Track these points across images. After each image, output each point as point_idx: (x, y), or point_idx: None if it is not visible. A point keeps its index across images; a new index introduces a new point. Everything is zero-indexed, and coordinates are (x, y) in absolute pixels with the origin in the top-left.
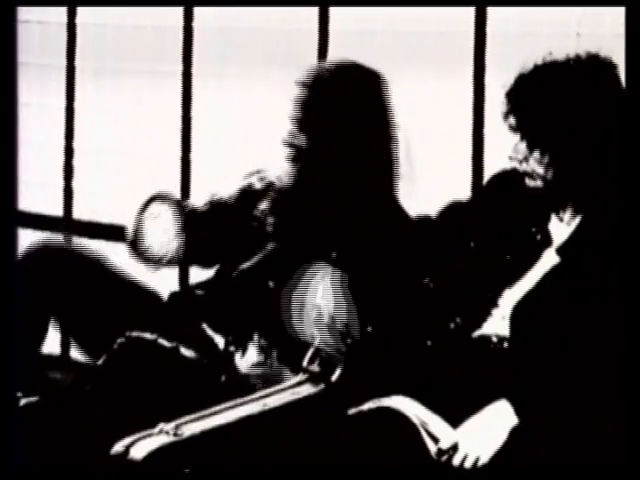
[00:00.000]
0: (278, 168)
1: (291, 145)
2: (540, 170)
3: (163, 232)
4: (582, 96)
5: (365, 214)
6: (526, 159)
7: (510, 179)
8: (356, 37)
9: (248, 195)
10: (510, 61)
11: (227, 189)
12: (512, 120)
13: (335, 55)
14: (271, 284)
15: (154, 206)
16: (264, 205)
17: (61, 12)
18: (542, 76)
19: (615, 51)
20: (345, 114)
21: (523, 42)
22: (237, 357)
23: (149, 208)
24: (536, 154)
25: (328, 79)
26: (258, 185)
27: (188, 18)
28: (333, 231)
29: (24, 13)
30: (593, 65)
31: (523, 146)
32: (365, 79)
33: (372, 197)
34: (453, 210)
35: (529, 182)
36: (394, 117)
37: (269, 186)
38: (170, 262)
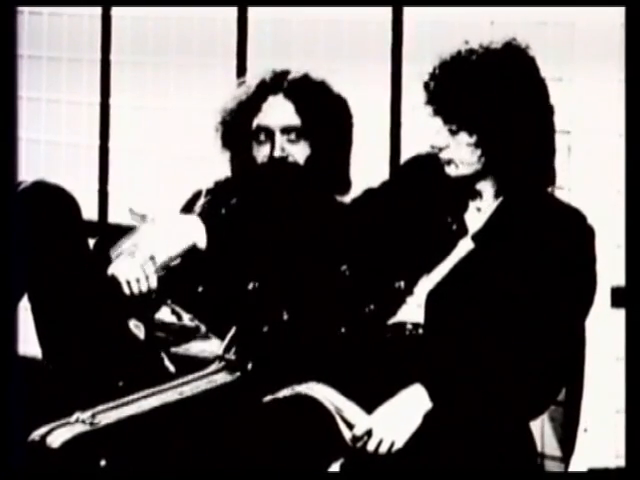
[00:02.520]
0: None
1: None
2: (462, 155)
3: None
4: (500, 78)
5: (303, 212)
6: (447, 146)
7: (425, 165)
8: (274, 25)
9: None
10: (425, 49)
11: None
12: (433, 106)
13: (254, 43)
14: (201, 277)
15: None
16: (197, 207)
17: None
18: (462, 60)
19: (528, 39)
20: (333, 125)
21: (438, 31)
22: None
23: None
24: (458, 138)
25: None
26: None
27: (106, 7)
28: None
29: None
30: (510, 48)
31: (444, 133)
32: (336, 92)
33: (316, 197)
34: (368, 196)
35: (450, 171)
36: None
37: (198, 193)
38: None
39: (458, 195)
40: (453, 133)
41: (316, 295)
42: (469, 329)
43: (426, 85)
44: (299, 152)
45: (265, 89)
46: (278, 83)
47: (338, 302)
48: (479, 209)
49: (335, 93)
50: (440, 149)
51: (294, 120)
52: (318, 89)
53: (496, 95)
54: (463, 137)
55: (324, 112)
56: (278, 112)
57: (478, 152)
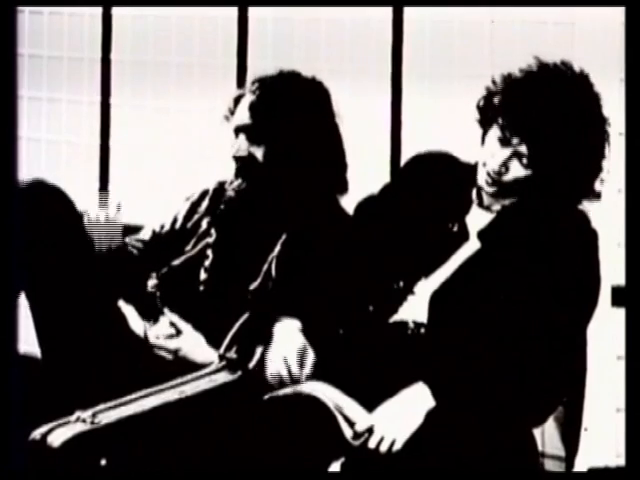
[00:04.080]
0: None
1: (240, 156)
2: (518, 177)
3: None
4: (573, 101)
5: (302, 212)
6: (507, 169)
7: (426, 165)
8: (275, 24)
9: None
10: (425, 49)
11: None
12: (500, 134)
13: (254, 42)
14: (203, 276)
15: None
16: (202, 208)
17: None
18: (531, 87)
19: (528, 39)
20: (294, 123)
21: (438, 31)
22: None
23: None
24: (521, 164)
25: (278, 88)
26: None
27: (106, 6)
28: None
29: None
30: (577, 75)
31: (511, 159)
32: (310, 88)
33: (313, 198)
34: (369, 200)
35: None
36: (338, 124)
37: (205, 193)
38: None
39: (460, 197)
40: (530, 158)
41: (317, 295)
42: (473, 329)
43: (488, 106)
44: (258, 149)
45: (243, 93)
46: (251, 86)
47: (338, 302)
48: (487, 208)
49: (310, 90)
50: (499, 174)
51: (245, 119)
52: (281, 87)
53: (567, 124)
54: (527, 160)
55: (279, 109)
56: (237, 113)
57: (535, 178)
